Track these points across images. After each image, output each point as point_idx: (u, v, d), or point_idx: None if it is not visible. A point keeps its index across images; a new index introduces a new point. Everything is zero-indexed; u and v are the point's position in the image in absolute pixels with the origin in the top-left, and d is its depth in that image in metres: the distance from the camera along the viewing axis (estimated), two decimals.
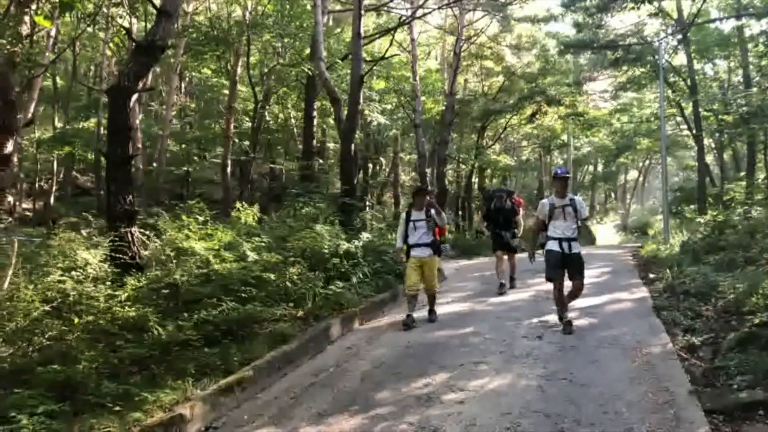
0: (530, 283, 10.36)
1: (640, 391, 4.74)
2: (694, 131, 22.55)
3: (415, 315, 7.49)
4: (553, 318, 7.36)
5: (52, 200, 17.46)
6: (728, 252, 9.80)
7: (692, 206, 22.91)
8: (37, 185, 18.58)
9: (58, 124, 18.97)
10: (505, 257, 9.81)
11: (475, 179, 28.54)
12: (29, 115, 12.63)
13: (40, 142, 17.66)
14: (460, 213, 26.26)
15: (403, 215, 7.67)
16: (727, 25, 23.41)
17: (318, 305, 7.51)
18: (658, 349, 5.86)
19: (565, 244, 6.63)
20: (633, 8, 19.12)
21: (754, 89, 19.03)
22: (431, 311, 7.78)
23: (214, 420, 4.62)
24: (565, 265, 6.64)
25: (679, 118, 27.08)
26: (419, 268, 7.40)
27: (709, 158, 28.02)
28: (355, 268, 9.04)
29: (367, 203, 18.67)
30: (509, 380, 5.13)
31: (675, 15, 21.68)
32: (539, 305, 8.29)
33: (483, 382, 5.10)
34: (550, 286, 9.95)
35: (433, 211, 7.50)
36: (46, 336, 5.06)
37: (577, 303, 8.20)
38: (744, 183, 20.17)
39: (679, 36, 21.22)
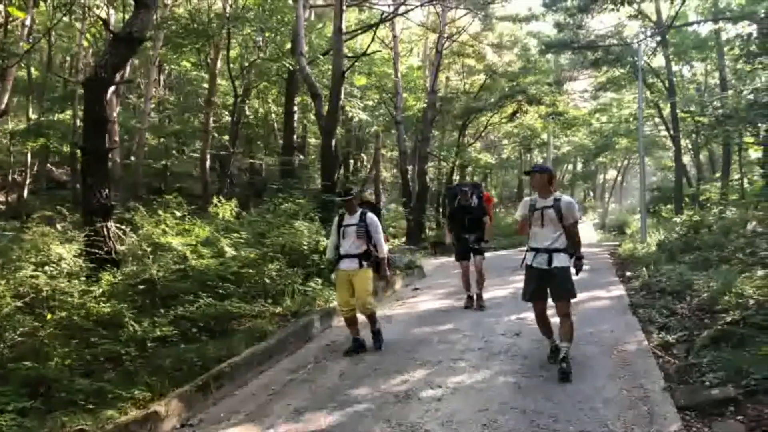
0: (510, 280, 10.44)
1: (615, 387, 4.79)
2: (671, 132, 22.90)
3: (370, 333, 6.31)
4: (531, 315, 7.39)
5: (25, 193, 17.12)
6: (703, 251, 9.97)
7: (669, 206, 23.27)
8: (10, 178, 18.19)
9: (33, 116, 18.59)
10: (472, 268, 8.14)
11: (456, 176, 28.62)
12: (2, 106, 12.39)
13: (13, 133, 17.28)
14: (440, 210, 26.33)
15: (335, 220, 6.28)
16: (705, 29, 23.82)
17: (297, 302, 7.47)
18: (634, 347, 5.94)
19: (541, 257, 5.20)
20: (613, 10, 19.29)
21: (730, 92, 19.29)
22: (374, 333, 6.29)
23: (190, 417, 4.58)
24: (545, 283, 5.23)
25: (657, 119, 27.51)
26: (348, 282, 6.04)
27: (686, 159, 28.45)
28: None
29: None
30: (487, 377, 5.16)
31: (654, 17, 21.96)
32: (518, 302, 8.31)
33: (461, 379, 5.12)
34: None
35: (367, 217, 6.06)
36: (18, 332, 4.95)
37: None
38: (719, 184, 20.56)
39: (658, 38, 21.51)
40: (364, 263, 6.03)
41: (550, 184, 5.30)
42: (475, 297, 8.16)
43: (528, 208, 5.34)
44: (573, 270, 5.22)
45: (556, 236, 5.18)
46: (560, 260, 5.17)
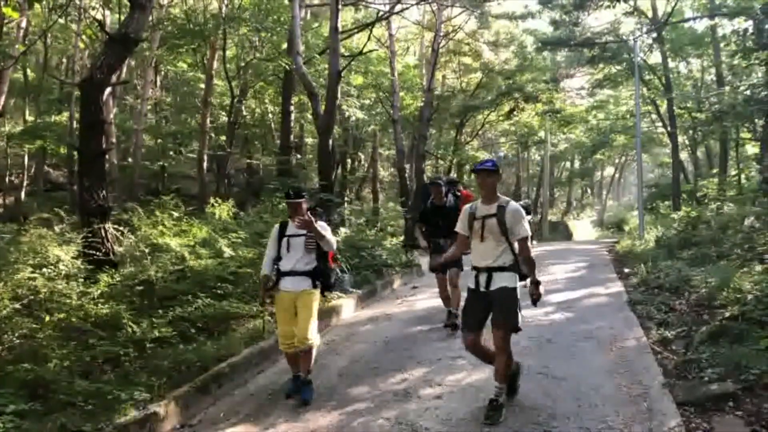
0: None
1: (614, 384, 4.80)
2: (668, 128, 22.94)
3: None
4: (529, 312, 7.41)
5: (23, 195, 17.08)
6: (701, 247, 10.01)
7: (667, 202, 23.31)
8: (7, 180, 18.14)
9: (29, 118, 18.56)
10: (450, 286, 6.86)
11: (453, 175, 28.62)
12: None
13: (10, 135, 17.24)
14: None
15: (275, 228, 5.14)
16: (701, 25, 23.86)
17: None
18: (633, 343, 5.95)
19: (482, 278, 4.30)
20: (609, 6, 19.34)
21: (727, 88, 19.36)
22: (304, 381, 4.88)
23: (189, 418, 4.57)
24: (486, 309, 4.32)
25: (654, 116, 27.51)
26: (294, 307, 4.86)
27: (684, 155, 28.51)
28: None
29: (346, 199, 18.62)
30: (486, 374, 5.15)
31: (650, 14, 21.99)
32: None
33: (460, 377, 5.12)
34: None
35: (319, 225, 4.84)
36: (16, 334, 4.94)
37: (554, 297, 8.31)
38: (716, 180, 20.59)
39: (654, 34, 21.53)
40: (317, 284, 4.92)
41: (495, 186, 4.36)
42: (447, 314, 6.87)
43: (467, 219, 4.41)
44: (523, 294, 4.28)
45: (498, 252, 4.26)
46: (503, 280, 4.25)
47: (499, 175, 4.40)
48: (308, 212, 4.93)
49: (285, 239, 4.98)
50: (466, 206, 4.56)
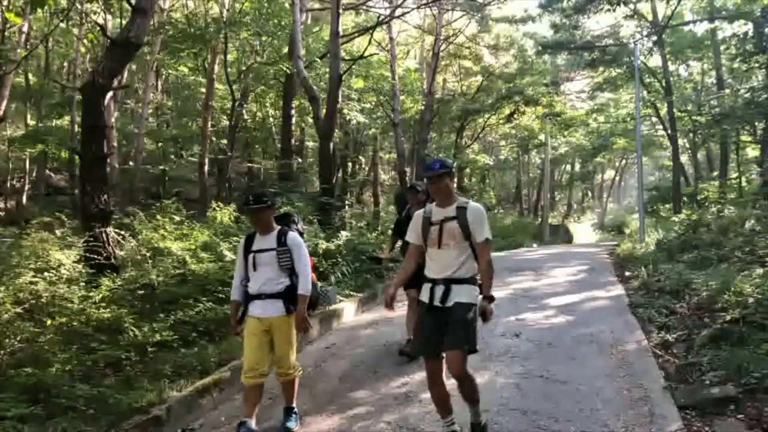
0: (508, 281, 10.44)
1: (615, 387, 4.80)
2: (669, 131, 22.92)
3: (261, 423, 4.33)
4: (530, 316, 7.43)
5: (24, 199, 17.11)
6: (702, 250, 9.98)
7: (667, 205, 23.31)
8: (8, 184, 18.17)
9: (31, 122, 18.59)
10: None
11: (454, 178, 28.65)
12: (0, 113, 12.38)
13: (11, 140, 17.28)
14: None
15: (241, 243, 4.39)
16: (701, 28, 23.85)
17: None
18: (634, 346, 5.95)
19: (438, 290, 3.74)
20: (609, 10, 19.34)
21: (727, 91, 19.40)
22: (287, 411, 4.42)
23: (191, 422, 4.58)
24: (441, 329, 3.69)
25: (654, 119, 27.52)
26: (264, 334, 4.17)
27: (684, 158, 28.51)
28: (334, 268, 9.02)
29: (347, 202, 18.63)
30: (487, 378, 5.16)
31: (650, 17, 22.00)
32: (517, 303, 8.34)
33: None
34: (528, 283, 10.18)
35: (289, 238, 4.21)
36: (18, 338, 4.95)
37: (554, 301, 8.32)
38: (717, 183, 20.59)
39: (654, 38, 21.54)
40: (291, 307, 4.16)
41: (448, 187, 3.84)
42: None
43: (421, 225, 3.88)
44: (477, 314, 3.71)
45: (460, 261, 3.73)
46: (461, 294, 3.69)
47: (451, 174, 3.86)
48: (277, 222, 4.30)
49: (252, 255, 4.19)
50: (419, 211, 3.98)
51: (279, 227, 4.28)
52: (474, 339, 3.70)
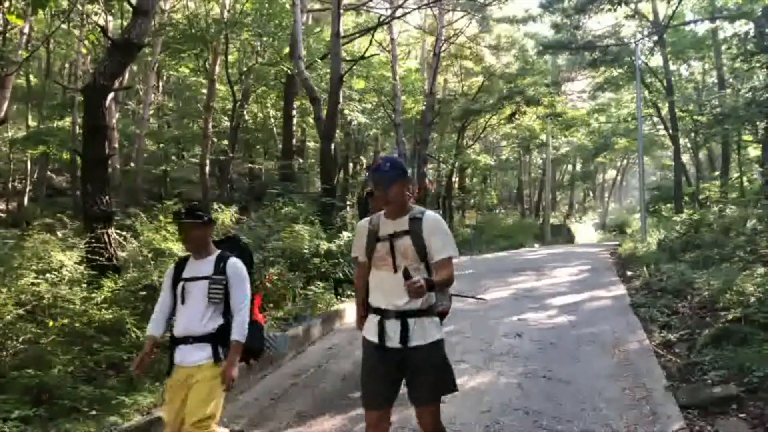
0: (510, 281, 10.45)
1: (618, 387, 4.80)
2: (670, 131, 22.91)
3: None
4: (532, 316, 7.43)
5: (26, 201, 17.13)
6: (703, 250, 9.98)
7: (669, 205, 23.28)
8: (10, 186, 18.20)
9: (32, 123, 18.62)
10: None
11: (455, 178, 28.67)
12: (2, 114, 12.39)
13: (13, 141, 17.32)
14: (440, 212, 26.34)
15: (170, 268, 3.52)
16: (702, 28, 23.84)
17: (298, 306, 7.48)
18: (636, 346, 5.94)
19: (391, 326, 2.92)
20: (610, 10, 19.32)
21: (728, 90, 19.39)
22: None
23: None
24: (397, 374, 2.96)
25: (655, 119, 27.50)
26: (184, 386, 3.24)
27: (685, 158, 28.46)
28: (335, 268, 9.02)
29: (348, 203, 18.64)
30: (489, 378, 5.16)
31: (651, 17, 22.00)
32: (519, 303, 8.34)
33: (463, 381, 5.11)
34: (530, 283, 10.19)
35: (229, 265, 3.33)
36: (20, 340, 4.96)
37: (556, 301, 8.32)
38: (718, 182, 20.58)
39: (655, 38, 21.52)
40: (221, 353, 3.25)
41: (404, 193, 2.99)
42: None
43: (366, 239, 3.07)
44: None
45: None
46: (426, 332, 2.91)
47: (405, 180, 2.99)
48: (218, 246, 3.48)
49: (181, 284, 3.33)
50: (363, 221, 3.18)
51: (219, 251, 3.40)
52: (450, 383, 3.01)
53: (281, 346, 5.84)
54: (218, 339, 3.25)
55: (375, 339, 2.94)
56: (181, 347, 3.28)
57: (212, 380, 3.20)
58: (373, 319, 2.99)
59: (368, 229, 3.07)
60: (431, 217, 3.00)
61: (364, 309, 3.14)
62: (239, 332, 3.23)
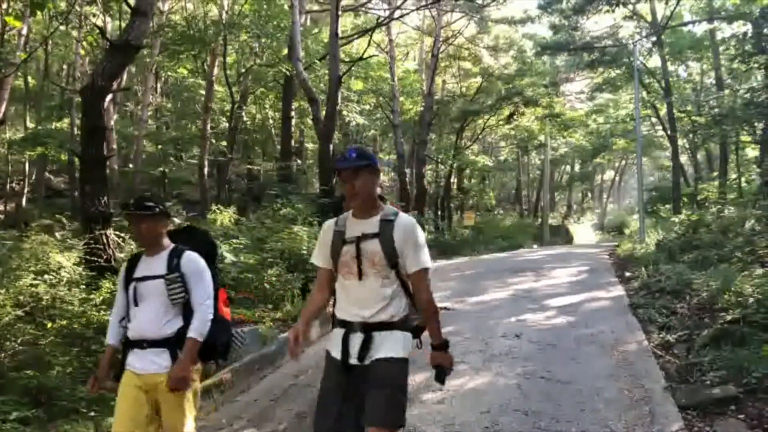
0: (509, 281, 10.45)
1: (616, 387, 4.80)
2: (668, 132, 22.95)
3: None
4: (531, 316, 7.43)
5: (24, 202, 17.12)
6: (702, 250, 9.99)
7: (667, 206, 23.31)
8: (8, 187, 18.18)
9: (30, 125, 18.60)
10: None
11: (454, 179, 28.68)
12: (0, 115, 12.39)
13: (11, 142, 17.31)
14: (439, 213, 26.38)
15: (123, 268, 3.16)
16: (700, 28, 23.87)
17: (297, 307, 7.47)
18: (635, 347, 5.95)
19: (355, 340, 2.65)
20: (608, 11, 19.36)
21: (726, 91, 19.40)
22: None
23: None
24: (356, 395, 2.61)
25: (654, 119, 27.56)
26: (144, 395, 2.91)
27: (684, 158, 28.52)
28: None
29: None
30: (488, 379, 5.16)
31: (649, 18, 22.04)
32: (518, 304, 8.35)
33: (462, 381, 5.12)
34: (528, 284, 10.19)
35: (184, 261, 3.00)
36: (19, 341, 4.95)
37: (555, 301, 8.33)
38: (717, 183, 20.60)
39: (654, 38, 21.57)
40: (174, 361, 2.90)
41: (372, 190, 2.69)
42: None
43: (331, 242, 2.75)
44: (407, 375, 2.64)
45: (385, 297, 2.62)
46: (387, 345, 2.60)
47: (373, 169, 2.67)
48: (174, 238, 3.12)
49: (133, 285, 3.00)
50: (329, 222, 2.84)
51: (172, 246, 3.05)
52: (402, 411, 2.57)
53: (250, 343, 5.63)
54: (178, 344, 2.90)
55: (338, 354, 2.65)
56: (136, 351, 2.94)
57: (179, 395, 2.87)
58: (338, 334, 2.70)
59: (333, 231, 2.76)
60: (406, 220, 2.68)
61: (306, 327, 2.78)
62: (197, 329, 2.90)
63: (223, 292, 3.26)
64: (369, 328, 2.61)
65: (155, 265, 2.99)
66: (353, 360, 2.60)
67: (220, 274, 3.17)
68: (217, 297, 3.09)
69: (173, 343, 2.91)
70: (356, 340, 2.62)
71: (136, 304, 2.98)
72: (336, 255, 2.72)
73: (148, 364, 2.90)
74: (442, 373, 2.66)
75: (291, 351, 2.72)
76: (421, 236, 2.68)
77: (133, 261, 3.11)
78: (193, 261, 3.01)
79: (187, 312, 2.97)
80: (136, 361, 2.93)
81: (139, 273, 3.02)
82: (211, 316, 2.96)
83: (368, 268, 2.62)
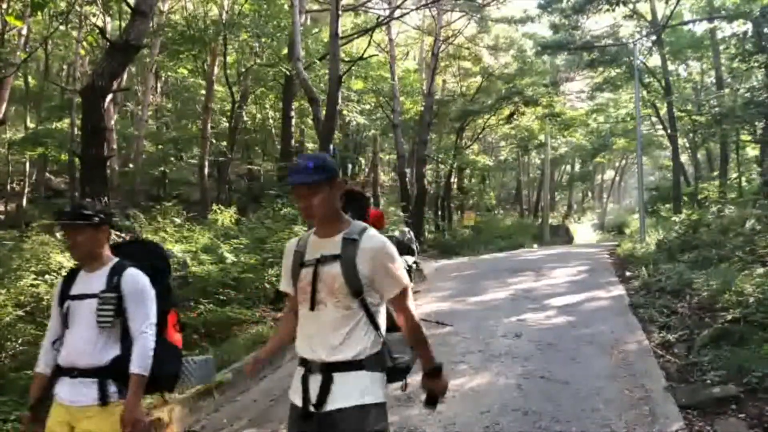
0: (509, 281, 10.45)
1: (617, 387, 4.80)
2: (668, 131, 22.94)
3: None
4: (531, 316, 7.44)
5: (24, 202, 17.11)
6: (702, 250, 10.00)
7: (667, 205, 23.31)
8: (8, 187, 18.18)
9: (31, 125, 18.61)
10: None
11: (454, 179, 28.69)
12: (0, 116, 12.39)
13: (11, 143, 17.32)
14: (439, 213, 26.39)
15: (58, 283, 2.78)
16: (700, 28, 23.88)
17: None
18: (635, 347, 5.95)
19: (313, 383, 2.21)
20: (608, 10, 19.35)
21: (726, 90, 19.41)
22: None
23: (192, 423, 4.58)
24: None
25: (654, 119, 27.54)
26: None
27: (684, 158, 28.51)
28: None
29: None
30: (488, 379, 5.16)
31: (649, 17, 22.03)
32: (518, 304, 8.35)
33: (462, 382, 5.12)
34: (529, 284, 10.20)
35: (126, 278, 2.60)
36: (20, 341, 4.96)
37: (555, 301, 8.33)
38: (717, 182, 20.61)
39: (654, 38, 21.56)
40: (113, 392, 2.52)
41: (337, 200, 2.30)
42: None
43: (291, 264, 2.36)
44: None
45: (344, 331, 2.19)
46: (348, 390, 2.16)
47: (333, 182, 2.24)
48: (119, 253, 2.74)
49: (67, 303, 2.61)
50: (292, 240, 2.45)
51: (115, 260, 2.67)
52: None
53: (205, 373, 4.38)
54: (110, 374, 2.51)
55: (299, 400, 2.22)
56: (64, 380, 2.55)
57: (109, 430, 2.45)
58: (297, 374, 2.29)
59: (294, 252, 2.36)
60: (373, 241, 2.21)
61: (266, 355, 2.62)
62: (140, 363, 2.49)
63: (174, 314, 2.83)
64: (329, 369, 2.18)
65: (94, 282, 2.60)
66: (310, 404, 2.18)
67: (172, 294, 2.84)
68: (166, 320, 2.73)
69: (105, 374, 2.51)
70: (315, 383, 2.19)
71: (68, 326, 2.58)
72: (295, 280, 2.32)
73: (78, 396, 2.49)
74: (433, 399, 2.31)
75: (247, 369, 2.46)
76: (393, 253, 2.24)
77: (71, 276, 2.71)
78: (134, 280, 2.60)
79: (125, 338, 2.57)
80: (64, 391, 2.54)
81: (75, 290, 2.62)
82: (152, 345, 2.55)
83: (326, 296, 2.19)
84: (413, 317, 2.26)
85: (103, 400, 2.48)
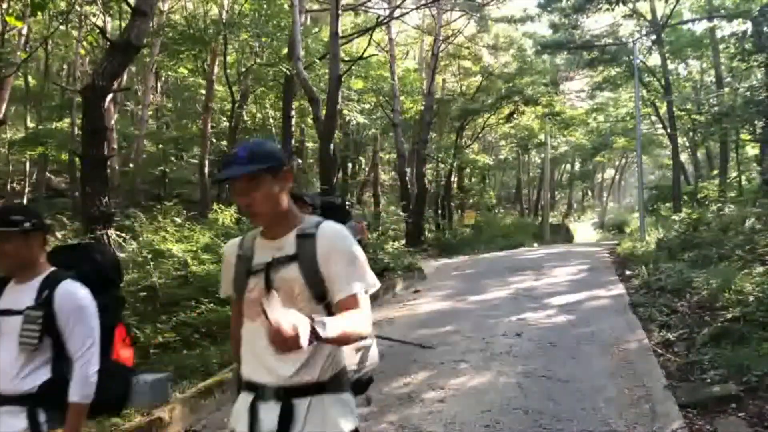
0: (509, 280, 10.46)
1: (617, 386, 4.81)
2: (668, 130, 22.94)
3: None
4: (531, 315, 7.45)
5: (25, 202, 17.12)
6: (702, 249, 10.00)
7: (667, 204, 23.31)
8: (9, 187, 18.19)
9: (31, 125, 18.62)
10: None
11: (454, 178, 28.68)
12: (0, 116, 12.39)
13: (12, 142, 17.33)
14: (440, 212, 26.39)
15: None
16: (700, 27, 23.87)
17: None
18: (635, 345, 5.96)
19: (267, 413, 1.77)
20: (608, 9, 19.37)
21: (726, 89, 19.40)
22: None
23: (193, 423, 4.58)
24: None
25: (654, 118, 27.54)
26: None
27: (684, 157, 28.51)
28: None
29: (347, 203, 18.64)
30: (489, 378, 5.17)
31: (649, 16, 22.02)
32: (518, 303, 8.36)
33: (463, 380, 5.13)
34: (529, 283, 10.21)
35: (60, 293, 2.19)
36: None
37: (555, 300, 8.34)
38: (717, 181, 20.61)
39: (653, 37, 21.57)
40: (43, 423, 2.15)
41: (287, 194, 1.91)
42: None
43: (234, 272, 1.97)
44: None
45: (308, 348, 1.57)
46: (325, 420, 1.77)
47: (278, 172, 1.83)
48: (55, 260, 2.37)
49: None
50: (231, 242, 2.07)
51: (49, 271, 2.29)
52: None
53: (156, 393, 3.99)
54: (40, 402, 2.16)
55: (240, 423, 1.86)
56: None
57: None
58: (243, 401, 1.89)
59: (236, 257, 1.96)
60: (330, 229, 1.85)
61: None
62: (79, 390, 2.15)
63: (122, 329, 2.50)
64: (288, 394, 1.78)
65: (23, 295, 2.22)
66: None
67: (121, 306, 2.53)
68: (112, 337, 2.40)
69: (35, 401, 2.15)
70: (269, 412, 1.78)
71: None
72: (241, 290, 1.91)
73: (3, 427, 2.14)
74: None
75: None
76: (352, 247, 1.83)
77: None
78: (69, 295, 2.21)
79: (58, 361, 2.19)
80: None
81: (2, 304, 2.24)
82: (95, 368, 2.20)
83: (287, 305, 1.62)
84: (364, 321, 1.76)
85: (34, 430, 2.14)
